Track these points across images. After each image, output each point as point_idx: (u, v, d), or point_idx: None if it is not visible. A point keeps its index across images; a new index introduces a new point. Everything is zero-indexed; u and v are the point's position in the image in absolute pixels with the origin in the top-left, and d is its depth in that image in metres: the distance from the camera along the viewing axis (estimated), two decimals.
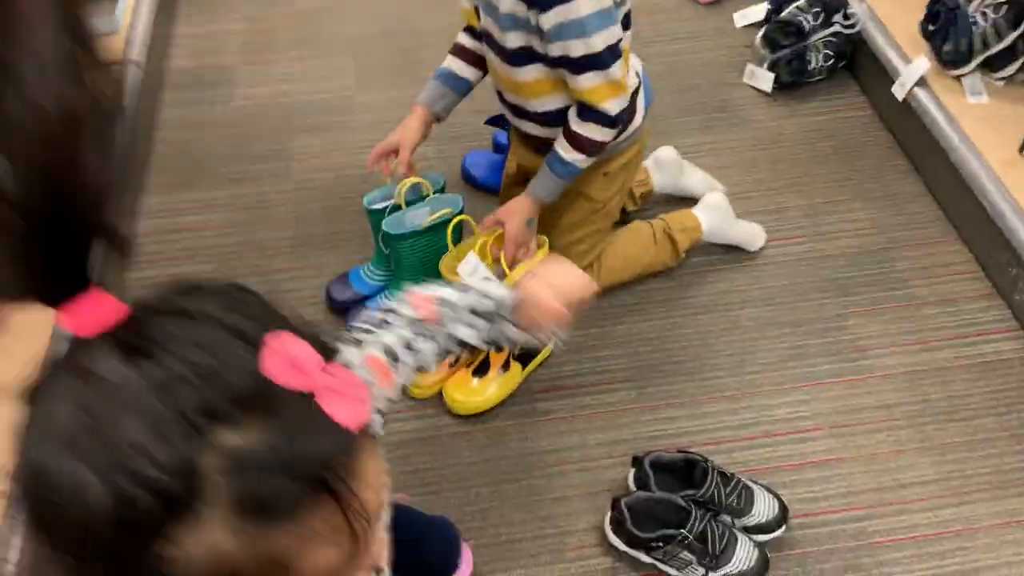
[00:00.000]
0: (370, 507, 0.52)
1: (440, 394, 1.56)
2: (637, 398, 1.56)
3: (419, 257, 1.58)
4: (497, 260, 1.48)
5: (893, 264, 1.76)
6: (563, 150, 1.37)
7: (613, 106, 1.31)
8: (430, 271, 1.53)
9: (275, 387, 0.49)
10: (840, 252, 1.78)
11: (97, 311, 0.50)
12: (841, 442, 1.49)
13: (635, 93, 1.42)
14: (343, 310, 1.67)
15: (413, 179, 1.56)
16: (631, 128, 1.46)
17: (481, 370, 1.56)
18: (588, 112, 1.33)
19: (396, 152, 1.49)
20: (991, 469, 1.44)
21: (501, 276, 1.43)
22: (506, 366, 1.55)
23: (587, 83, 1.29)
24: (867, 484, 1.43)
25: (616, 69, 1.29)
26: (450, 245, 1.48)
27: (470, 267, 1.45)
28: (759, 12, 2.29)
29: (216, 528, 0.47)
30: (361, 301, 1.67)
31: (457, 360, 1.57)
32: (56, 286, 0.49)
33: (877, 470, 1.45)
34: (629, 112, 1.37)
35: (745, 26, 2.31)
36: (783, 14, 2.15)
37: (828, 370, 1.59)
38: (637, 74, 1.47)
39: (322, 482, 0.49)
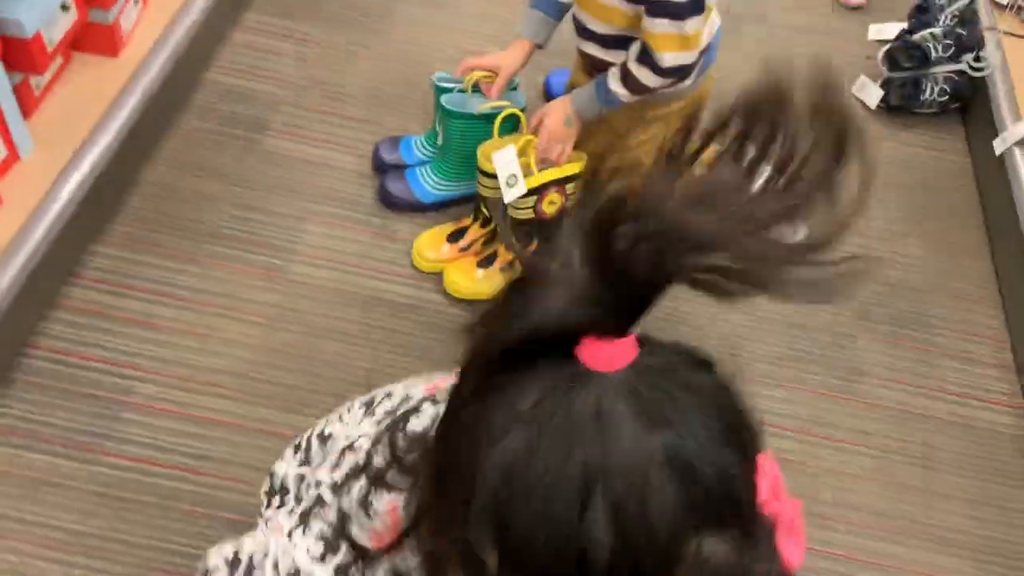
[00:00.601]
0: None
1: (440, 274, 1.61)
2: None
3: (468, 141, 1.61)
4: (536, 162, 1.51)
5: (926, 307, 1.72)
6: (612, 79, 1.36)
7: (672, 59, 1.29)
8: (473, 157, 1.56)
9: (759, 508, 0.48)
10: (879, 278, 1.76)
11: (620, 352, 0.47)
12: (806, 448, 1.49)
13: (702, 52, 1.40)
14: (382, 170, 1.74)
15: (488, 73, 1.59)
16: (684, 83, 1.44)
17: (486, 263, 1.61)
18: (646, 56, 1.31)
19: (492, 71, 1.50)
20: (935, 522, 1.42)
21: (527, 174, 1.46)
22: (512, 265, 1.60)
23: (659, 28, 1.27)
24: (819, 495, 1.43)
25: (692, 24, 1.26)
26: (496, 133, 1.51)
27: (506, 157, 1.47)
28: (893, 30, 2.21)
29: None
30: (402, 168, 1.73)
31: (465, 248, 1.61)
32: (613, 324, 0.47)
33: (830, 484, 1.45)
34: (688, 68, 1.36)
35: (876, 40, 2.24)
36: (914, 36, 2.07)
37: (820, 380, 1.58)
38: (711, 33, 1.44)
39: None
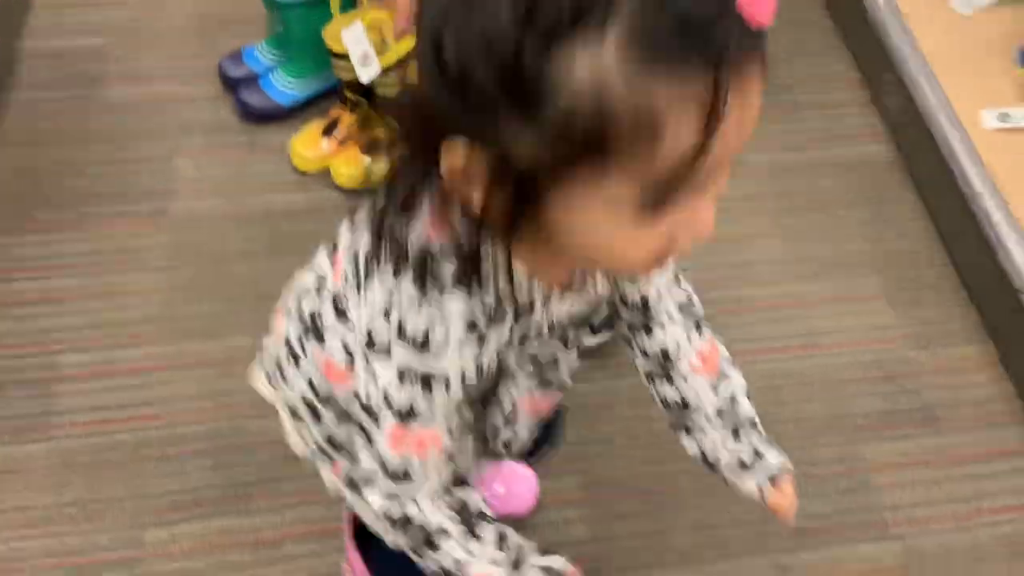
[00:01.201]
0: (731, 139, 0.51)
1: (328, 171, 1.61)
2: None
3: (309, 29, 1.57)
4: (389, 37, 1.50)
5: (780, 74, 1.83)
6: None
7: None
8: (321, 45, 1.54)
9: None
10: None
11: None
12: None
13: None
14: (233, 86, 1.69)
15: None
16: None
17: (370, 148, 1.61)
18: None
19: None
20: (835, 252, 1.56)
21: (383, 51, 1.45)
22: (394, 144, 1.61)
23: None
24: (720, 261, 1.53)
25: None
26: (335, 12, 1.49)
27: (355, 35, 1.46)
28: None
29: (610, 52, 0.47)
30: (254, 79, 1.70)
31: (345, 140, 1.62)
32: None
33: (731, 250, 1.55)
34: None
35: None
36: None
37: None
38: None
39: (715, 61, 0.48)
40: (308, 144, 1.62)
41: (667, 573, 1.22)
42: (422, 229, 0.62)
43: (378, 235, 0.64)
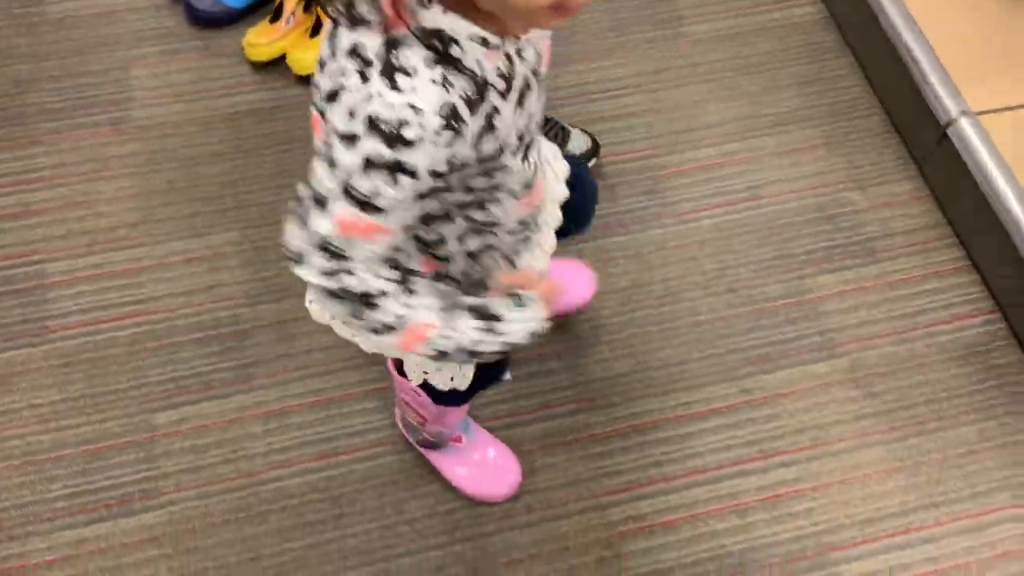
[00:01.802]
0: None
1: (282, 63, 1.64)
2: None
3: None
4: None
5: None
6: None
7: None
8: None
9: None
10: None
11: None
12: (651, 97, 1.68)
13: None
14: (212, 22, 1.69)
15: None
16: None
17: (316, 30, 1.64)
18: None
19: None
20: (775, 110, 1.66)
21: None
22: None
23: None
24: (668, 128, 1.63)
25: None
26: None
27: None
28: None
29: None
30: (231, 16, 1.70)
31: (294, 25, 1.64)
32: None
33: (678, 116, 1.65)
34: None
35: None
36: None
37: (644, 37, 1.76)
38: None
39: None
40: (259, 34, 1.64)
41: (643, 404, 1.35)
42: (383, 21, 0.65)
43: (349, 21, 0.66)
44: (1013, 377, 1.39)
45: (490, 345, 0.78)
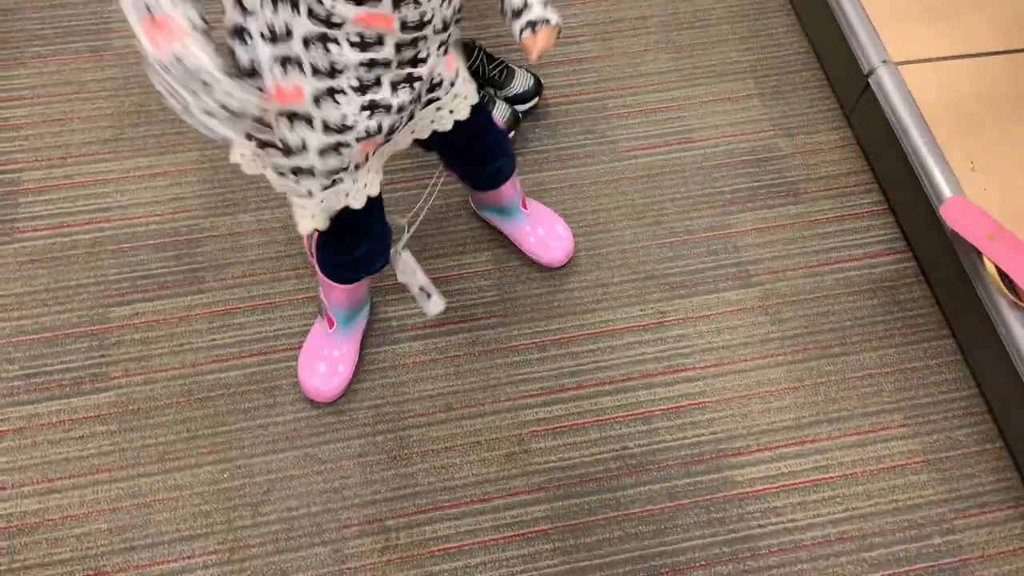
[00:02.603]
0: None
1: None
2: None
3: None
4: None
5: None
6: None
7: None
8: None
9: None
10: None
11: None
12: (601, 45, 1.77)
13: None
14: None
15: None
16: None
17: None
18: None
19: None
20: (717, 61, 1.75)
21: None
22: None
23: None
24: (613, 74, 1.73)
25: None
26: None
27: None
28: None
29: None
30: None
31: None
32: None
33: (624, 64, 1.74)
34: None
35: None
36: None
37: None
38: None
39: None
40: None
41: (564, 321, 1.44)
42: None
43: None
44: (917, 311, 1.47)
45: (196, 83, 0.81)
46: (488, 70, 1.61)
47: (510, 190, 1.42)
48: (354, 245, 1.19)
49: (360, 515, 1.26)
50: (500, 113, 1.58)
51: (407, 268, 1.29)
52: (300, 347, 1.39)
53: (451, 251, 1.50)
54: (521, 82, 1.64)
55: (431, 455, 1.32)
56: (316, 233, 1.16)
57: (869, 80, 1.56)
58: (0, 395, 1.34)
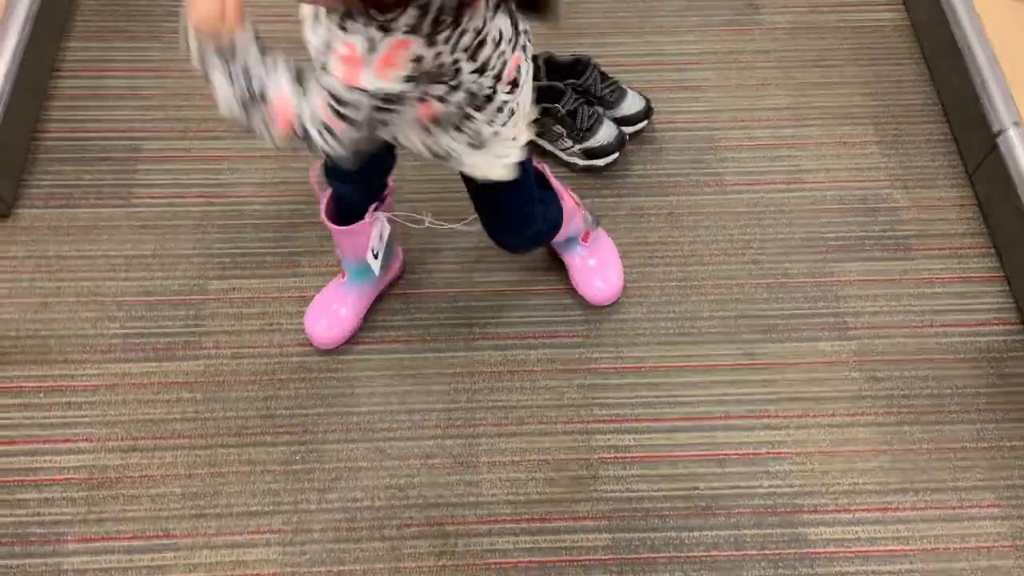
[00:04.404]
0: None
1: None
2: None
3: None
4: None
5: None
6: None
7: None
8: None
9: None
10: None
11: None
12: (718, 75, 1.74)
13: None
14: None
15: None
16: None
17: None
18: None
19: None
20: (837, 103, 1.70)
21: None
22: None
23: None
24: (726, 105, 1.69)
25: None
26: None
27: None
28: None
29: None
30: None
31: None
32: None
33: (739, 95, 1.71)
34: None
35: None
36: None
37: (722, 20, 1.81)
38: None
39: None
40: None
41: (648, 350, 1.41)
42: None
43: None
44: (1023, 387, 1.40)
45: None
46: (600, 88, 1.60)
47: (561, 236, 1.39)
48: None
49: (422, 516, 1.27)
50: (606, 133, 1.57)
51: (377, 227, 1.30)
52: (384, 340, 1.41)
53: (539, 265, 1.49)
54: (632, 104, 1.62)
55: (498, 466, 1.31)
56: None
57: (997, 140, 1.48)
58: (99, 350, 1.40)
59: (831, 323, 1.45)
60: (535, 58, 1.62)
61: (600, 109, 1.61)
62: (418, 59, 0.86)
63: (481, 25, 0.91)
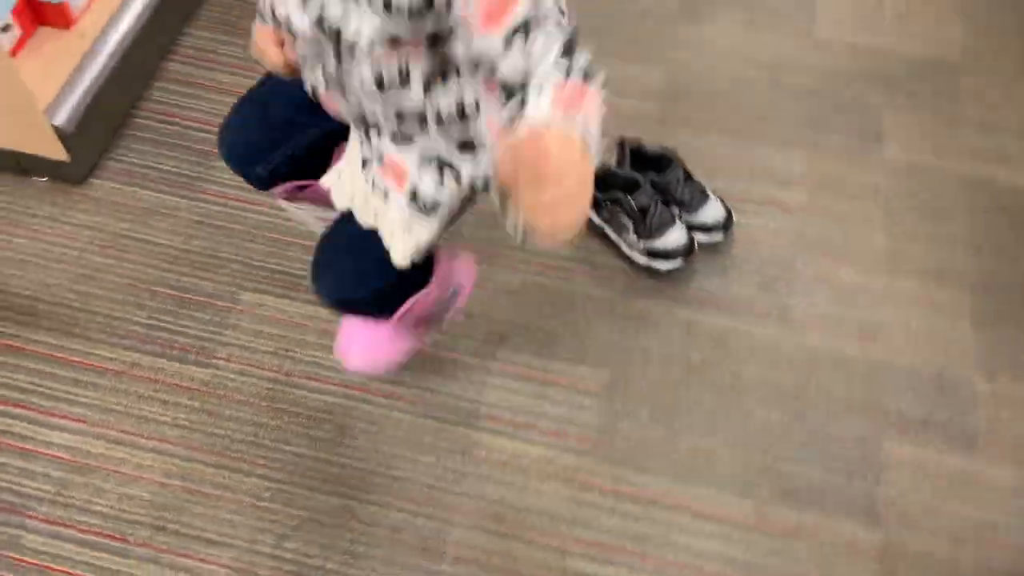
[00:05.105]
0: None
1: None
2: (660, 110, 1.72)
3: None
4: None
5: (955, 78, 1.77)
6: None
7: None
8: None
9: None
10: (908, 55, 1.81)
11: None
12: (815, 199, 1.61)
13: None
14: None
15: None
16: None
17: None
18: None
19: None
20: (937, 261, 1.53)
21: None
22: None
23: None
24: (814, 233, 1.56)
25: None
26: None
27: None
28: None
29: None
30: None
31: None
32: None
33: (831, 226, 1.57)
34: None
35: None
36: None
37: (838, 143, 1.68)
38: None
39: None
40: None
41: (653, 477, 1.31)
42: None
43: None
44: None
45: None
46: (681, 189, 1.51)
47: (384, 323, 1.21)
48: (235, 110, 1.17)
49: None
50: (676, 237, 1.48)
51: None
52: (389, 395, 1.37)
53: (572, 355, 1.42)
54: (712, 212, 1.52)
55: (462, 562, 1.24)
56: None
57: None
58: (119, 335, 1.43)
59: (862, 505, 1.30)
60: (622, 143, 1.56)
61: (676, 210, 1.52)
62: None
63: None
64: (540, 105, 0.69)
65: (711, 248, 1.54)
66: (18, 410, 1.34)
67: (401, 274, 1.05)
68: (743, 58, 1.82)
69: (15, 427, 1.32)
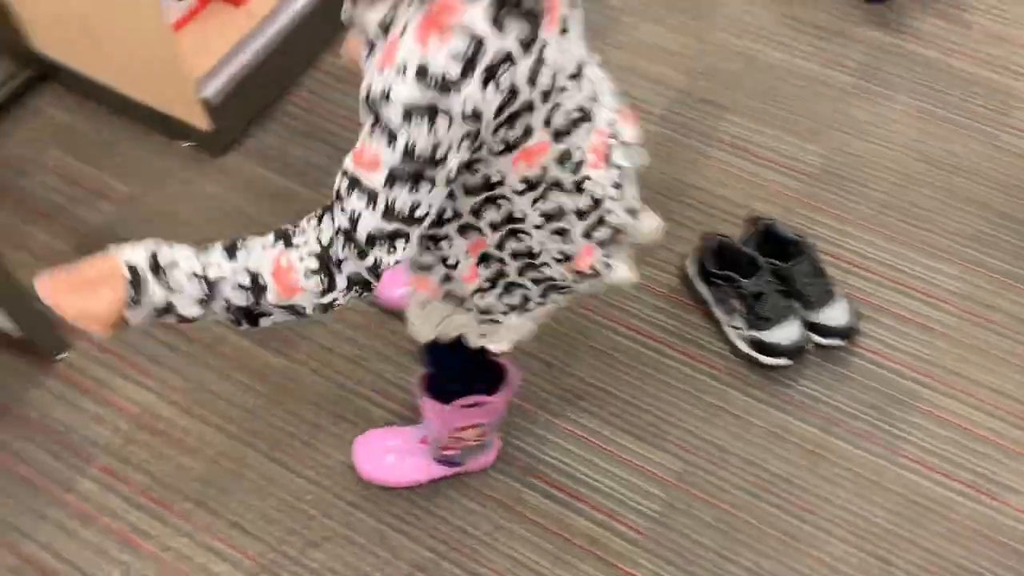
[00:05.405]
0: None
1: None
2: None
3: None
4: None
5: None
6: None
7: None
8: None
9: None
10: None
11: None
12: (960, 326, 1.44)
13: None
14: None
15: None
16: None
17: None
18: None
19: None
20: None
21: None
22: None
23: None
24: (949, 364, 1.40)
25: None
26: None
27: None
28: None
29: None
30: None
31: None
32: None
33: (970, 359, 1.40)
34: None
35: None
36: None
37: (1001, 265, 1.49)
38: None
39: None
40: None
41: None
42: None
43: None
44: None
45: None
46: (806, 284, 1.38)
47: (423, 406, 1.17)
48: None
49: None
50: (788, 333, 1.36)
51: None
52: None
53: (646, 434, 1.33)
54: (837, 314, 1.38)
55: None
56: None
57: None
58: None
59: None
60: (755, 219, 1.45)
61: (796, 304, 1.39)
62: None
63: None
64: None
65: (828, 353, 1.40)
66: (107, 357, 1.40)
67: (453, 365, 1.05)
68: (913, 150, 1.66)
69: (99, 373, 1.38)
